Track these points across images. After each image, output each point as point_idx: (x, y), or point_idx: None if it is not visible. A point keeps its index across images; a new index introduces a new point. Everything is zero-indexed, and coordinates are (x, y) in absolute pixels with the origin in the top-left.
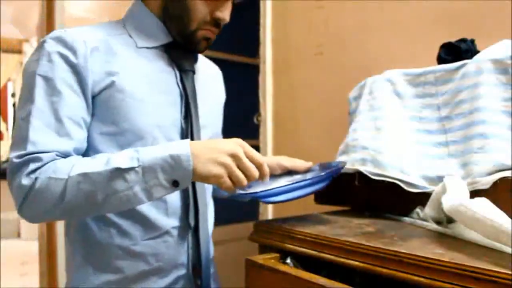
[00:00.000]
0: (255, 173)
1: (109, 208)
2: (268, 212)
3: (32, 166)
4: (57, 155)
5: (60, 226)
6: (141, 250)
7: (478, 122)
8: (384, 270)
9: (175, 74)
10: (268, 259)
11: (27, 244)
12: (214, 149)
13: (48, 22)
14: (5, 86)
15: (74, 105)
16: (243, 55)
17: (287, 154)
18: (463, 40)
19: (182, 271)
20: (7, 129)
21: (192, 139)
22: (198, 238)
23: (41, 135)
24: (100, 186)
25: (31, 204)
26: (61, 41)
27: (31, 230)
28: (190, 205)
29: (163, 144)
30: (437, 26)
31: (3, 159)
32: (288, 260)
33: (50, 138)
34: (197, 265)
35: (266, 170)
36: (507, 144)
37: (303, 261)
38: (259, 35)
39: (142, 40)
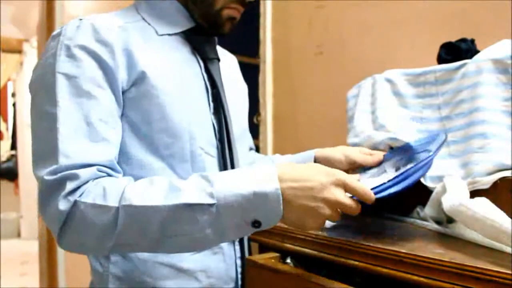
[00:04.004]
0: (357, 209)
1: (170, 249)
2: None
3: (69, 185)
4: (99, 170)
5: None
6: (189, 267)
7: (478, 122)
8: (384, 270)
9: (199, 63)
10: (268, 259)
11: (27, 244)
12: (306, 190)
13: (48, 22)
14: (5, 86)
15: (105, 105)
16: (243, 55)
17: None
18: (463, 40)
19: (231, 285)
20: (7, 129)
21: (228, 138)
22: (249, 247)
23: (73, 144)
24: (159, 223)
25: (71, 233)
26: (81, 31)
27: (31, 230)
28: None
29: (242, 172)
30: (437, 26)
31: (3, 159)
32: (288, 260)
33: (84, 147)
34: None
35: (372, 197)
36: (507, 144)
37: (303, 261)
38: (259, 35)
39: (162, 27)
